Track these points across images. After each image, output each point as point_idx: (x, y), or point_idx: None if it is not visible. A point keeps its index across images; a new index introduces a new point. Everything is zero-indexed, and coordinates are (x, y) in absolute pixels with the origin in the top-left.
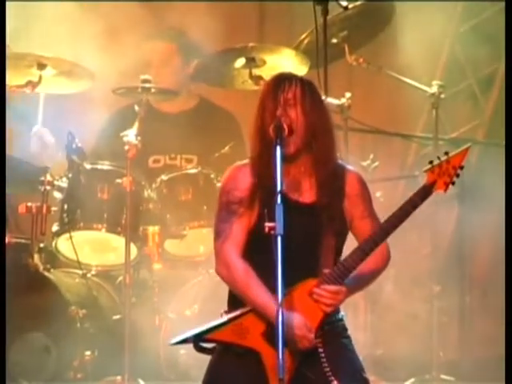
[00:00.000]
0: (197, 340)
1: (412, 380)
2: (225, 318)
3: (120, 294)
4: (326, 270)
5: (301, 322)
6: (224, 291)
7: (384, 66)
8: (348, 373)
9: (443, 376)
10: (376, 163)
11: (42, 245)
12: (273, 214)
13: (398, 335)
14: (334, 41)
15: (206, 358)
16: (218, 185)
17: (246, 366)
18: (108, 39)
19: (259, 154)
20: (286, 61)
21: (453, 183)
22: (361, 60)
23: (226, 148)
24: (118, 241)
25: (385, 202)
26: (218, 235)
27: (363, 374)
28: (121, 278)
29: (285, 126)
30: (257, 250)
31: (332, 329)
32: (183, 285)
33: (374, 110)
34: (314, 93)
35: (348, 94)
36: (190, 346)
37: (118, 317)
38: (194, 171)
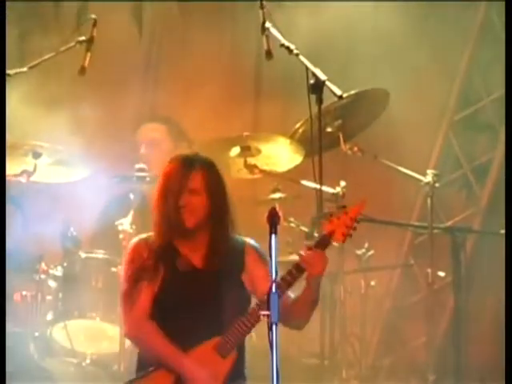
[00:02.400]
0: None
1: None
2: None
3: (115, 382)
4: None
5: (206, 376)
6: None
7: (378, 154)
8: None
9: None
10: (371, 252)
11: (36, 333)
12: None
13: None
14: (329, 130)
15: None
16: None
17: None
18: (102, 125)
19: (160, 229)
20: (280, 149)
21: (350, 235)
22: (355, 149)
23: None
24: (113, 329)
25: (380, 291)
26: (125, 302)
27: None
28: (116, 367)
29: (280, 214)
30: (160, 316)
31: None
32: None
33: (368, 199)
34: (216, 176)
35: (343, 183)
36: None
37: None
38: None
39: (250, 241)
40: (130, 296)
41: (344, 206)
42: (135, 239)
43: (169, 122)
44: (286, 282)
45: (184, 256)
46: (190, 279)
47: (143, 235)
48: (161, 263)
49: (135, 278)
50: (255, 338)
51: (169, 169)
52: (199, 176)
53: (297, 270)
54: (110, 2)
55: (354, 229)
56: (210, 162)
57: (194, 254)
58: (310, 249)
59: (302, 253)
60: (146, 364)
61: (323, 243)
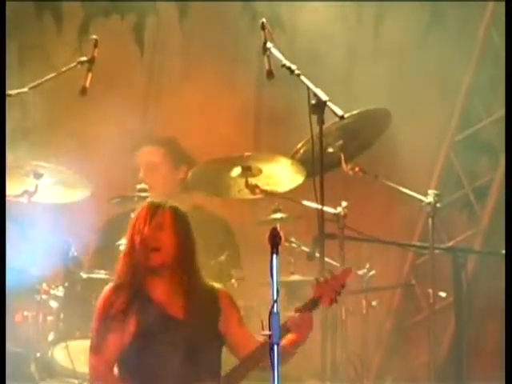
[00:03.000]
0: None
1: None
2: None
3: None
4: None
5: None
6: None
7: (380, 174)
8: None
9: None
10: (372, 272)
11: (38, 354)
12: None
13: None
14: (330, 150)
15: None
16: None
17: None
18: (103, 145)
19: (125, 269)
20: (281, 170)
21: (336, 301)
22: (357, 169)
23: (222, 257)
24: None
25: (381, 311)
26: (93, 350)
27: None
28: None
29: (281, 235)
30: (133, 363)
31: None
32: None
33: (370, 219)
34: (181, 218)
35: (344, 203)
36: None
37: None
38: None
39: (220, 286)
40: (96, 347)
41: (330, 271)
42: (107, 287)
43: (167, 144)
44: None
45: (158, 304)
46: (164, 329)
47: (113, 283)
48: (133, 312)
49: (103, 328)
50: None
51: (137, 212)
52: (166, 213)
53: (283, 329)
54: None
55: (339, 293)
56: (178, 206)
57: (169, 302)
58: (298, 310)
59: (292, 314)
60: None
61: (311, 306)
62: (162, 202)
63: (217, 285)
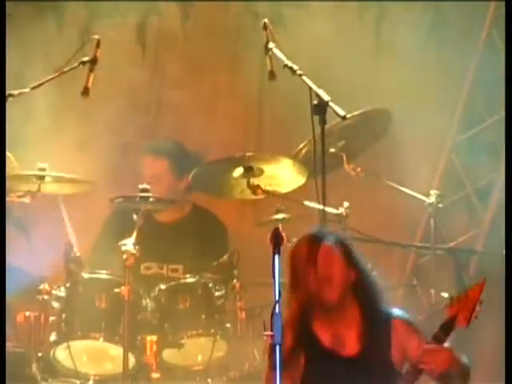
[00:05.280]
0: None
1: None
2: None
3: None
4: None
5: None
6: None
7: (382, 175)
8: None
9: None
10: (374, 272)
11: (40, 354)
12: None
13: None
14: (332, 150)
15: None
16: (217, 294)
17: None
18: (106, 145)
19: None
20: (284, 170)
21: (476, 317)
22: (358, 169)
23: (225, 257)
24: (116, 350)
25: None
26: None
27: None
28: None
29: (283, 235)
30: None
31: None
32: None
33: (372, 220)
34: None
35: (346, 204)
36: None
37: None
38: (192, 280)
39: (396, 312)
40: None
41: (465, 289)
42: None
43: (171, 154)
44: None
45: (329, 339)
46: (336, 369)
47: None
48: (302, 351)
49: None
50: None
51: (296, 248)
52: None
53: (415, 371)
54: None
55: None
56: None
57: (338, 337)
58: (436, 339)
59: (422, 348)
60: None
61: (447, 328)
62: (321, 234)
63: (393, 311)
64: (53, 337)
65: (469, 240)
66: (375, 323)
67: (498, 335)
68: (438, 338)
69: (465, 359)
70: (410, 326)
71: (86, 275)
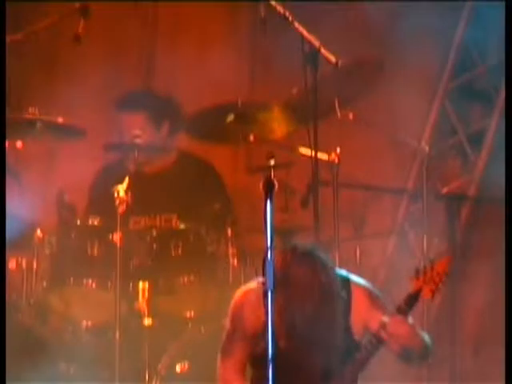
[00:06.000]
0: None
1: None
2: None
3: (110, 349)
4: None
5: None
6: (214, 348)
7: (374, 122)
8: None
9: None
10: (365, 219)
11: (32, 301)
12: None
13: None
14: (324, 97)
15: None
16: (209, 240)
17: None
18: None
19: None
20: (275, 116)
21: (438, 290)
22: (350, 116)
23: (216, 204)
24: (109, 296)
25: (375, 259)
26: (222, 354)
27: None
28: (111, 334)
29: (275, 182)
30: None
31: None
32: (173, 341)
33: (364, 166)
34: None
35: (338, 150)
36: None
37: (107, 373)
38: (184, 227)
39: (358, 280)
40: (227, 349)
41: (431, 261)
42: (241, 290)
43: (147, 105)
44: (361, 360)
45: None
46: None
47: (248, 286)
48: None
49: (236, 334)
50: None
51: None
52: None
53: (375, 340)
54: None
55: (442, 283)
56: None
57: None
58: (400, 310)
59: (385, 319)
60: None
61: (411, 302)
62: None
63: (353, 277)
64: (45, 283)
65: (461, 186)
66: (334, 290)
67: (491, 279)
68: (402, 311)
69: (427, 338)
70: (371, 295)
71: (78, 222)
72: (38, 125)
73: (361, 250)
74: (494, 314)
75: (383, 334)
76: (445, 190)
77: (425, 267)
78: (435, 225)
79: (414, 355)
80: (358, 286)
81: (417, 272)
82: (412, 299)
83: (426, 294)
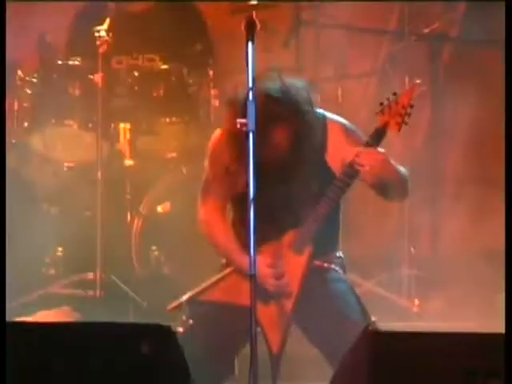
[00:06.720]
0: (192, 303)
1: (383, 275)
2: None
3: (92, 190)
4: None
5: (271, 275)
6: (196, 189)
7: None
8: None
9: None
10: (346, 59)
11: (14, 141)
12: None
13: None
14: None
15: (177, 256)
16: (190, 81)
17: (243, 321)
18: None
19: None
20: None
21: (405, 123)
22: None
23: (198, 46)
24: (90, 137)
25: (357, 99)
26: (202, 194)
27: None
28: (93, 175)
29: (257, 21)
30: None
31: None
32: (155, 181)
33: (345, 5)
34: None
35: None
36: (161, 242)
37: (89, 213)
38: (165, 67)
39: (333, 116)
40: (207, 189)
41: (394, 93)
42: (220, 130)
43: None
44: (337, 190)
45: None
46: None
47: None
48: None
49: (216, 174)
50: None
51: None
52: None
53: (351, 172)
54: None
55: (409, 115)
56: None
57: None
58: (367, 144)
59: (359, 150)
60: None
61: (378, 136)
62: None
63: (329, 114)
64: (26, 124)
65: (443, 26)
66: (308, 124)
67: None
68: (370, 146)
69: (402, 169)
70: (347, 130)
71: (59, 62)
72: None
73: (342, 90)
74: (472, 156)
75: (357, 162)
76: (427, 29)
77: (388, 100)
78: (417, 66)
79: (390, 187)
80: (334, 121)
81: (382, 106)
82: (379, 134)
83: (392, 127)
